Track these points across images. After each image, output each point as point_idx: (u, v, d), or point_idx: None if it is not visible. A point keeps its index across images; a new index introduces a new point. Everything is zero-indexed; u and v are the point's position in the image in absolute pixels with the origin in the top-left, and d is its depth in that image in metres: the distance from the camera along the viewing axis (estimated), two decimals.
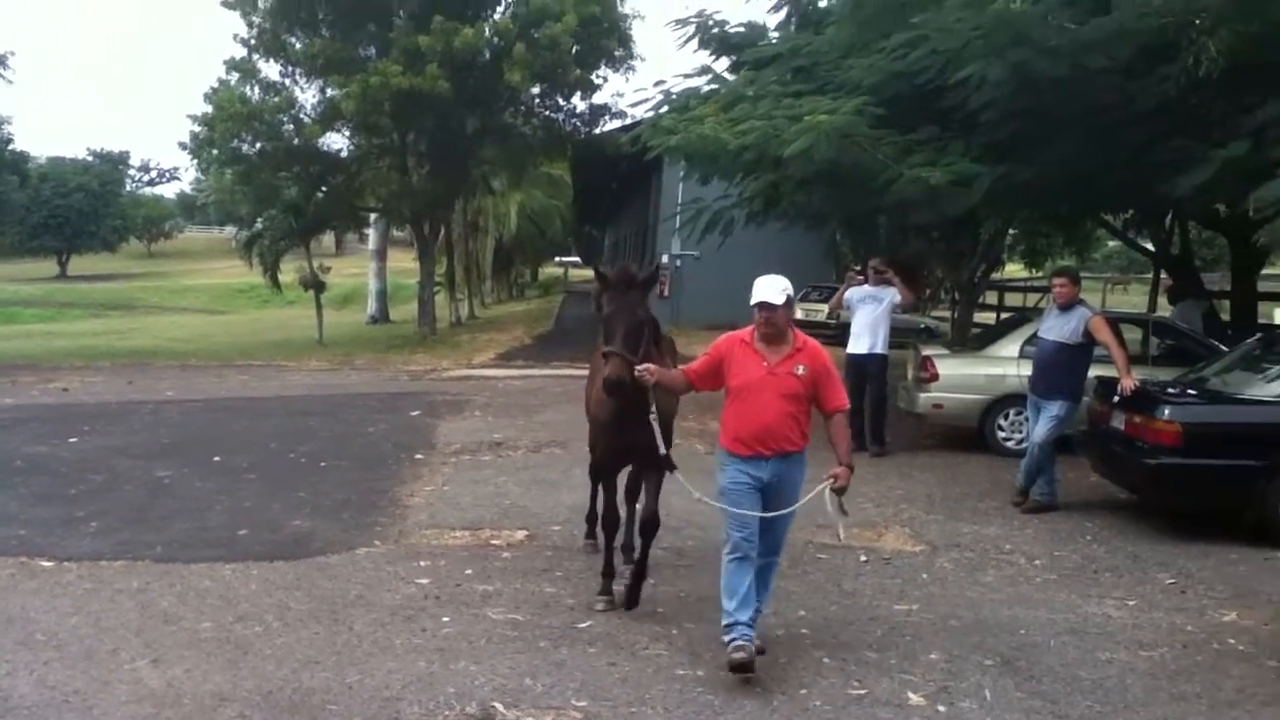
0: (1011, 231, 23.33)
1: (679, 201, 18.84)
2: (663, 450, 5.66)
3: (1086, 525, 8.24)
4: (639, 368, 5.45)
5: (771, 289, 5.25)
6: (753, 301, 5.26)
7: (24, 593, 6.52)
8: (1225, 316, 13.97)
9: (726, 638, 5.23)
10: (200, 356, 24.15)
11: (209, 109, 23.08)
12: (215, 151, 23.45)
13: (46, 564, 7.13)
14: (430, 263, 27.25)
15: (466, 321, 32.55)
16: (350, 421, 13.80)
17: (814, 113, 10.22)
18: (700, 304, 25.62)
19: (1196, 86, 9.40)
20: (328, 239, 36.46)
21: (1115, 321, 9.37)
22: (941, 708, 4.94)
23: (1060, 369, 8.64)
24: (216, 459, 10.94)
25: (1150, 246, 16.01)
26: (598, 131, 26.87)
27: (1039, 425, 8.68)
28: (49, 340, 30.73)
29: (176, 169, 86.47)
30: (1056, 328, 8.70)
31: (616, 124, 25.66)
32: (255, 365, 22.09)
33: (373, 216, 31.22)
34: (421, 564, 7.17)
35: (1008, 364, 10.95)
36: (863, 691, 5.11)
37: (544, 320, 33.37)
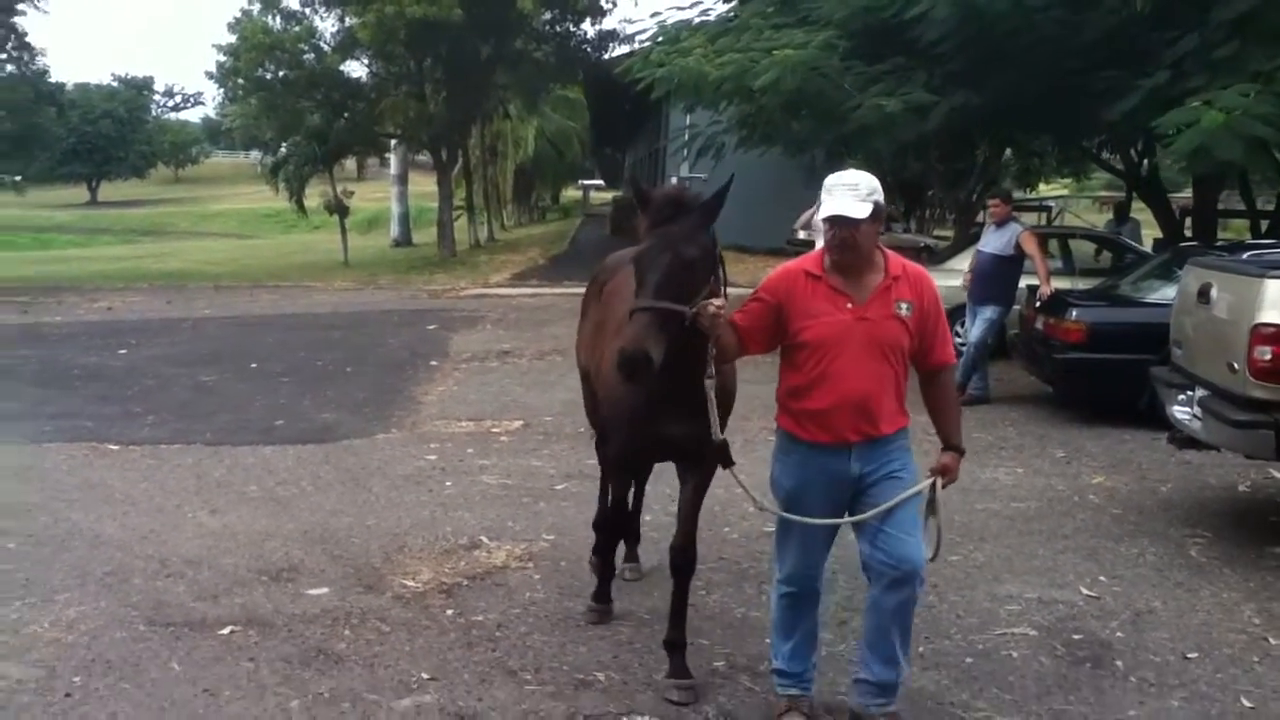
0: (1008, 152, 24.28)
1: (683, 126, 19.87)
2: (718, 436, 3.78)
3: (1010, 415, 9.43)
4: (709, 305, 3.58)
5: (848, 196, 3.52)
6: (821, 215, 3.59)
7: (99, 468, 7.84)
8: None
9: (780, 690, 3.95)
10: (232, 278, 25.45)
11: (233, 39, 24.10)
12: (241, 80, 24.52)
13: (114, 447, 8.43)
14: (449, 187, 28.37)
15: (486, 244, 33.71)
16: (373, 334, 15.11)
17: (785, 47, 11.24)
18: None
19: (1130, 21, 10.37)
20: (350, 164, 37.46)
21: (1043, 237, 10.46)
22: None
23: (994, 279, 9.76)
24: (253, 365, 12.27)
25: (1121, 168, 16.90)
26: (608, 56, 27.67)
27: (974, 327, 9.82)
28: (86, 264, 32.10)
29: (201, 94, 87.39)
30: (992, 242, 9.82)
31: (625, 49, 26.50)
32: (284, 286, 23.37)
33: (393, 142, 32.24)
34: (431, 446, 8.46)
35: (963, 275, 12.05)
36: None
37: (560, 242, 34.45)
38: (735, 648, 4.59)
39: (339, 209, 28.41)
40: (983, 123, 12.30)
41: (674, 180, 28.55)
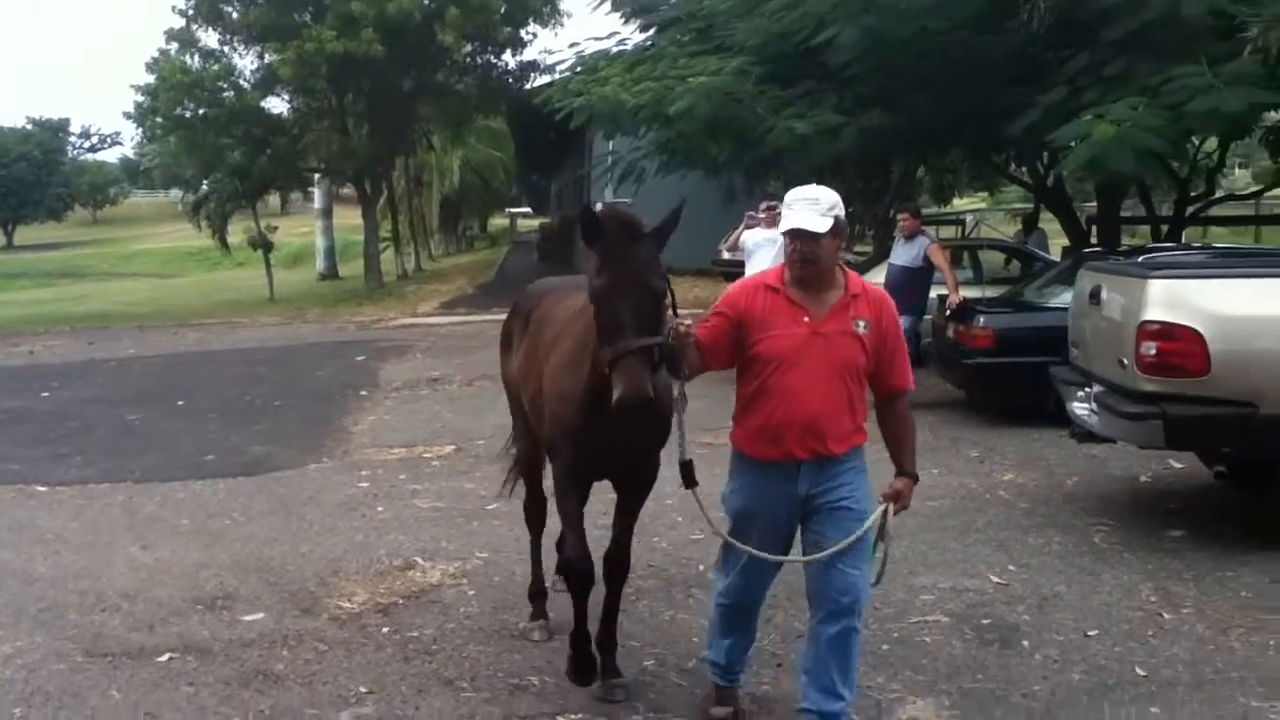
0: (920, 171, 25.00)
1: (605, 152, 20.20)
2: (685, 455, 3.70)
3: (926, 419, 9.68)
4: (679, 326, 3.58)
5: (809, 210, 3.54)
6: (782, 228, 3.63)
7: (27, 508, 7.81)
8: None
9: (713, 679, 4.03)
10: (156, 317, 25.14)
11: (151, 79, 23.94)
12: (160, 119, 24.35)
13: (41, 489, 8.39)
14: (374, 219, 28.37)
15: (413, 274, 33.67)
16: (301, 368, 15.09)
17: (700, 74, 11.57)
18: None
19: (1031, 41, 10.85)
20: (275, 200, 37.23)
21: (954, 248, 10.88)
22: None
23: (906, 290, 10.07)
24: (180, 403, 12.22)
25: (1030, 181, 17.52)
26: (529, 86, 27.90)
27: None
28: (3, 309, 31.43)
29: (119, 134, 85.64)
30: (903, 254, 10.19)
31: (547, 78, 26.77)
32: (210, 323, 23.17)
33: (316, 176, 32.13)
34: (363, 473, 8.54)
35: None
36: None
37: (487, 270, 34.50)
38: (665, 648, 4.78)
39: (263, 244, 28.21)
40: (894, 143, 12.72)
41: (598, 206, 28.89)
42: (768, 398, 3.62)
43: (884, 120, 11.73)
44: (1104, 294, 6.19)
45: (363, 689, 4.41)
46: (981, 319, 9.19)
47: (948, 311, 9.74)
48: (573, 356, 4.03)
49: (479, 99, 28.48)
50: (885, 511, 3.68)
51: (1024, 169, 17.95)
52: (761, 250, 10.85)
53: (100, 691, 4.45)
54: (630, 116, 12.39)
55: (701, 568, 5.61)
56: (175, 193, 44.60)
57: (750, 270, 10.86)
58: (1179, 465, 7.54)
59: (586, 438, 3.98)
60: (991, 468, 7.94)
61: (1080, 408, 6.42)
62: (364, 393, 12.56)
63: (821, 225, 3.52)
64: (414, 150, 32.91)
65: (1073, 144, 8.99)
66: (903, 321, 9.86)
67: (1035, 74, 11.09)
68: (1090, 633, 4.78)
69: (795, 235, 3.57)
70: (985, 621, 4.95)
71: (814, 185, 3.70)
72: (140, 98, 24.17)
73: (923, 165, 22.13)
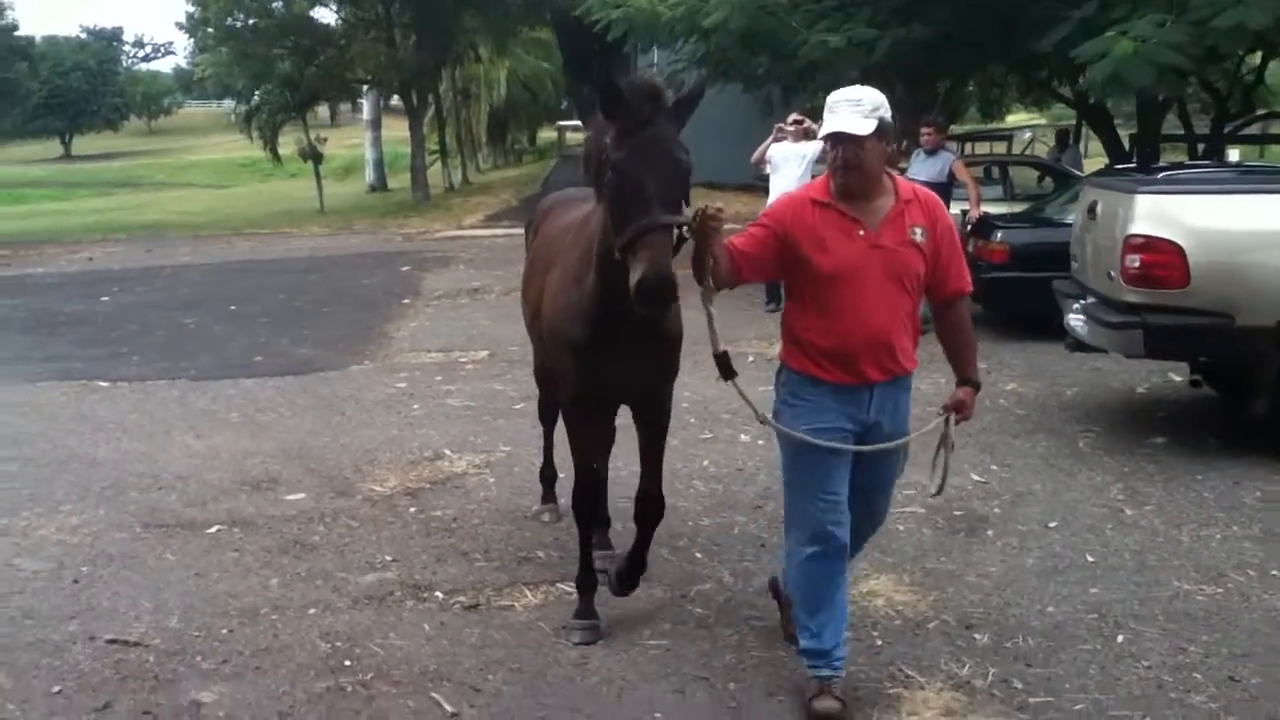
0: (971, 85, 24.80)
1: (647, 64, 20.28)
2: (718, 348, 3.46)
3: None
4: (709, 208, 3.33)
5: (851, 112, 3.32)
6: (822, 133, 3.41)
7: (90, 402, 8.42)
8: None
9: (810, 672, 3.58)
10: (210, 227, 25.81)
11: None
12: (210, 30, 24.73)
13: (103, 384, 9.00)
14: (421, 131, 28.68)
15: (460, 187, 34.00)
16: (347, 276, 15.63)
17: None
18: None
19: None
20: (324, 111, 37.60)
21: (979, 166, 11.02)
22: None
23: None
24: (232, 308, 12.82)
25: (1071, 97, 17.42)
26: None
27: None
28: (64, 218, 32.27)
29: (171, 44, 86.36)
30: (926, 169, 10.32)
31: None
32: (262, 233, 23.79)
33: (365, 88, 32.40)
34: (401, 375, 9.06)
35: None
36: (710, 435, 6.97)
37: (533, 184, 34.74)
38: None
39: (313, 156, 28.64)
40: (927, 56, 12.76)
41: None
42: (834, 318, 3.39)
43: (917, 33, 11.82)
44: (1098, 209, 6.45)
45: (388, 557, 4.94)
46: (998, 234, 9.43)
47: (967, 226, 9.95)
48: (576, 270, 3.77)
49: (524, 9, 28.50)
50: (947, 421, 3.61)
51: (1066, 84, 17.90)
52: (788, 164, 10.65)
53: (156, 555, 5.02)
54: (666, 29, 12.56)
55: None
56: (228, 103, 45.06)
57: (774, 185, 10.84)
58: (1178, 378, 7.81)
59: (591, 360, 3.73)
60: (997, 378, 8.25)
61: (1074, 319, 6.71)
62: (406, 301, 13.08)
63: (865, 127, 3.27)
64: (461, 62, 33.01)
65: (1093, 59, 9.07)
66: None
67: None
68: (1051, 524, 5.17)
69: (837, 139, 3.33)
70: (958, 513, 5.35)
71: (857, 85, 3.46)
72: (191, 8, 24.54)
73: (970, 80, 21.99)
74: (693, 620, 4.21)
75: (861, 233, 3.39)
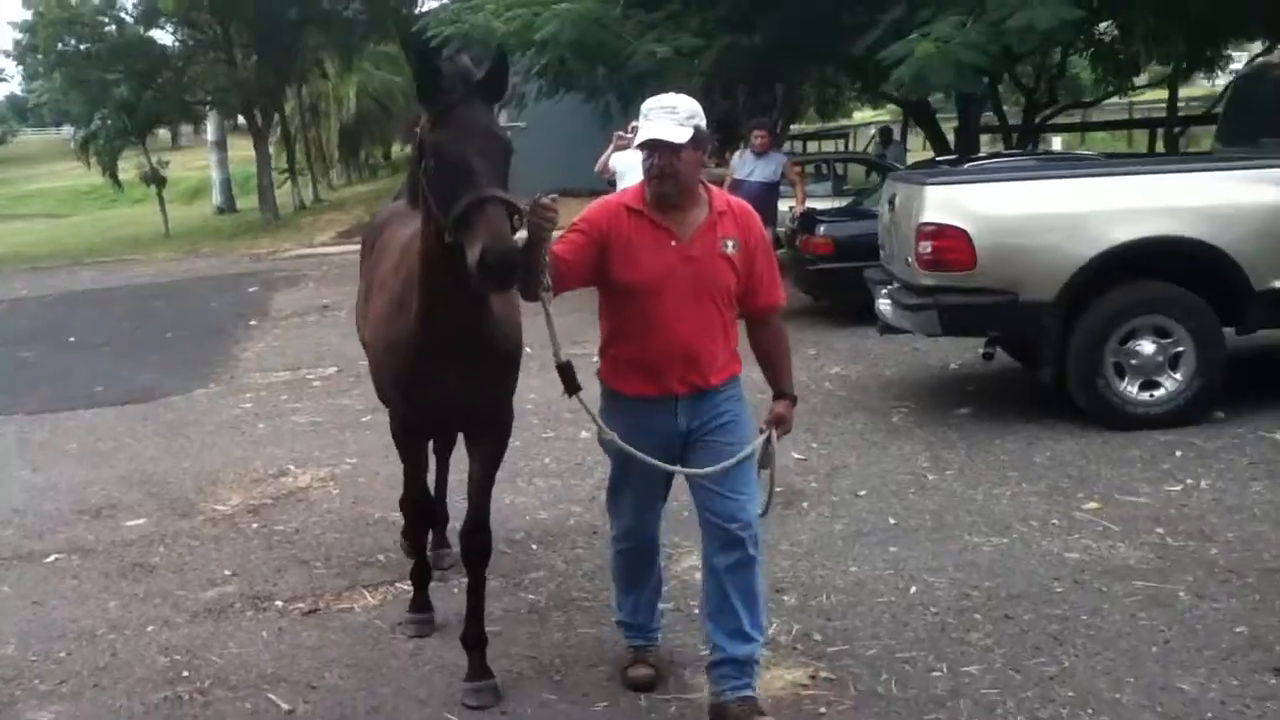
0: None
1: None
2: (560, 357, 3.30)
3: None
4: (543, 199, 3.21)
5: (667, 119, 3.28)
6: (637, 141, 3.35)
7: None
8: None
9: (627, 642, 3.82)
10: (50, 258, 24.89)
11: (29, 15, 23.43)
12: (40, 56, 23.89)
13: None
14: (266, 151, 28.22)
15: (311, 205, 33.48)
16: (194, 301, 15.40)
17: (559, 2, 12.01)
18: (533, 174, 27.18)
19: None
20: (166, 134, 36.57)
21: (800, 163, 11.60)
22: None
23: (763, 204, 10.67)
24: (72, 339, 12.56)
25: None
26: (418, 10, 27.79)
27: None
28: None
29: (3, 71, 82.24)
30: (759, 170, 10.68)
31: (435, 3, 26.69)
32: (106, 261, 23.12)
33: (208, 109, 31.70)
34: (246, 395, 9.06)
35: None
36: (552, 434, 7.20)
37: (385, 198, 34.53)
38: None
39: (155, 180, 27.96)
40: (751, 63, 13.30)
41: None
42: (638, 330, 3.38)
43: (743, 42, 12.32)
44: (897, 200, 6.94)
45: (228, 572, 5.05)
46: (822, 228, 9.94)
47: (793, 220, 10.44)
48: (402, 293, 3.59)
49: (368, 25, 28.31)
50: (769, 438, 3.56)
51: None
52: (634, 172, 10.73)
53: None
54: (499, 43, 12.77)
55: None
56: (66, 130, 43.41)
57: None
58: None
59: (421, 389, 3.58)
60: (823, 363, 8.73)
61: (882, 303, 7.20)
62: (253, 322, 12.99)
63: (680, 135, 3.23)
64: (306, 79, 32.56)
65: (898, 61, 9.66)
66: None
67: None
68: (861, 493, 5.58)
69: (653, 147, 3.27)
70: (777, 489, 5.68)
71: (671, 93, 3.41)
72: (19, 35, 23.66)
73: (803, 82, 22.83)
74: (525, 606, 4.45)
75: (673, 243, 3.34)
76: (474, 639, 3.75)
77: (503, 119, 27.10)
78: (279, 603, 4.63)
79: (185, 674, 4.00)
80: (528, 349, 4.02)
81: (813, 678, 3.68)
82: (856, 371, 8.37)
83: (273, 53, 26.59)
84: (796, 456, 6.26)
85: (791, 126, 30.18)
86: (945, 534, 4.96)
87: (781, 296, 3.59)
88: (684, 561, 4.76)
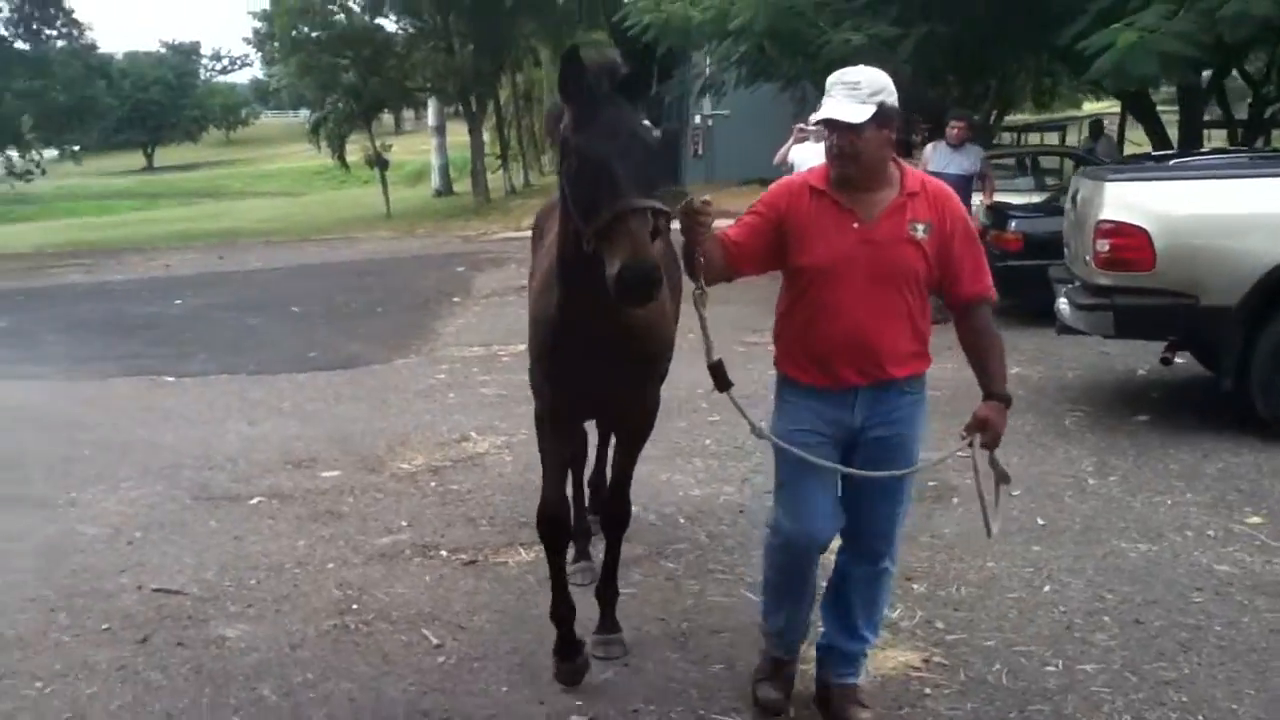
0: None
1: (693, 65, 20.81)
2: (712, 357, 3.22)
3: None
4: (695, 201, 3.11)
5: (847, 97, 3.08)
6: (815, 118, 3.20)
7: (157, 395, 9.14)
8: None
9: (767, 648, 3.63)
10: (281, 233, 26.88)
11: (266, 4, 25.35)
12: (276, 44, 25.78)
13: (169, 379, 9.73)
14: (479, 136, 29.50)
15: (521, 190, 34.79)
16: (405, 278, 16.38)
17: None
18: (734, 162, 27.28)
19: None
20: (389, 119, 38.73)
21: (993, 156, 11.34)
22: None
23: (965, 196, 10.46)
24: (294, 309, 13.59)
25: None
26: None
27: None
28: (147, 227, 33.73)
29: (248, 56, 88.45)
30: (956, 162, 10.41)
31: None
32: (330, 238, 24.77)
33: (427, 95, 33.33)
34: (442, 367, 9.66)
35: None
36: (717, 418, 7.40)
37: None
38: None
39: (379, 163, 29.64)
40: (953, 53, 13.06)
41: (698, 119, 29.37)
42: (814, 316, 3.21)
43: (940, 29, 12.11)
44: (1079, 197, 6.78)
45: (403, 523, 5.51)
46: (1013, 223, 9.73)
47: (984, 215, 10.24)
48: (547, 278, 3.56)
49: (580, 13, 29.10)
50: (971, 445, 3.36)
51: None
52: (811, 166, 10.93)
53: (201, 523, 5.64)
54: (697, 32, 13.03)
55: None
56: (304, 113, 46.47)
57: None
58: (1180, 360, 8.06)
59: (562, 369, 3.55)
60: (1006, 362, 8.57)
61: (1061, 303, 7.04)
62: (456, 299, 13.74)
63: (860, 114, 3.02)
64: (520, 67, 33.78)
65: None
66: None
67: None
68: (1015, 493, 5.50)
69: (831, 126, 3.09)
70: (931, 484, 5.73)
71: (859, 66, 3.20)
72: (257, 23, 25.64)
73: (1010, 72, 22.11)
74: (663, 574, 4.70)
75: (855, 225, 3.15)
76: (608, 595, 3.94)
77: (705, 107, 27.43)
78: (444, 552, 5.04)
79: (354, 607, 4.45)
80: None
81: (925, 661, 3.78)
82: (1038, 372, 8.20)
83: (488, 41, 27.74)
84: (960, 454, 6.22)
85: (1006, 117, 29.25)
86: (1093, 538, 4.89)
87: (989, 287, 3.29)
88: None
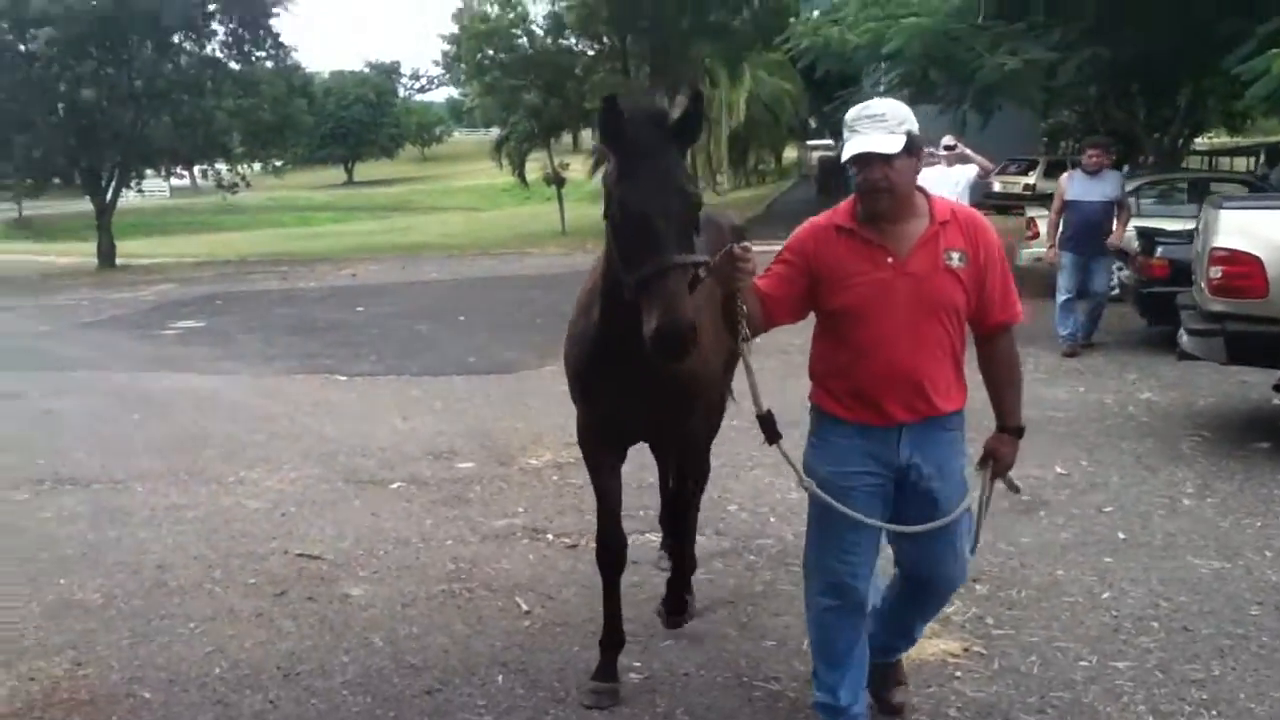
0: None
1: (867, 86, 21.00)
2: (761, 408, 3.18)
3: (1104, 343, 10.28)
4: (735, 249, 3.02)
5: (876, 129, 3.05)
6: (845, 155, 3.08)
7: (328, 391, 10.04)
8: None
9: None
10: (461, 248, 28.28)
11: (455, 28, 26.84)
12: (463, 66, 27.25)
13: (341, 378, 10.65)
14: None
15: None
16: (566, 291, 16.62)
17: (918, 12, 12.31)
18: None
19: None
20: (568, 139, 40.10)
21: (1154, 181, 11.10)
22: None
23: (1107, 224, 10.30)
24: (461, 318, 14.49)
25: None
26: (807, 18, 28.69)
27: (1100, 277, 10.08)
28: (340, 239, 35.98)
29: (445, 75, 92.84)
30: (1097, 190, 10.17)
31: (819, 11, 27.49)
32: (505, 252, 25.96)
33: None
34: None
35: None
36: None
37: (760, 205, 35.80)
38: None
39: (556, 180, 30.81)
40: (1114, 75, 12.91)
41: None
42: (855, 354, 3.15)
43: (1103, 53, 12.02)
44: (1201, 224, 6.78)
45: (520, 509, 6.06)
46: (1159, 249, 9.60)
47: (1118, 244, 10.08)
48: (589, 298, 3.60)
49: (755, 34, 29.56)
50: (986, 477, 3.29)
51: None
52: (942, 190, 9.98)
53: (347, 501, 6.35)
54: (853, 55, 13.30)
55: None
56: (494, 131, 48.62)
57: None
58: None
59: (597, 386, 3.63)
60: (1138, 388, 8.55)
61: (1182, 329, 7.03)
62: None
63: (893, 145, 3.00)
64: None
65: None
66: (1107, 259, 10.27)
67: (1255, 3, 11.04)
68: (1106, 509, 5.65)
69: (863, 161, 3.04)
70: (1025, 498, 5.87)
71: (877, 100, 3.19)
72: (446, 46, 27.15)
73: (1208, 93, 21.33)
74: (742, 564, 5.07)
75: (889, 260, 3.10)
76: (674, 603, 4.23)
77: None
78: (550, 536, 5.57)
79: (462, 577, 5.03)
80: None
81: (965, 650, 4.03)
82: (1169, 398, 8.14)
83: (664, 62, 28.51)
84: (1059, 471, 6.38)
85: (1196, 140, 28.08)
86: (1169, 553, 4.99)
87: (1017, 313, 3.24)
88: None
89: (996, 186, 27.66)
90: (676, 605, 4.15)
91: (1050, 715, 3.58)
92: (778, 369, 6.62)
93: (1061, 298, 10.21)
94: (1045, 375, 9.19)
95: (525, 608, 4.63)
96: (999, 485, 3.32)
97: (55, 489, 6.79)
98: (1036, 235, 13.30)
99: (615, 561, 3.90)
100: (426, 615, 4.61)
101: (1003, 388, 3.28)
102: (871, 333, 3.11)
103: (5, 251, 36.75)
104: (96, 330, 14.79)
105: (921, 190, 3.20)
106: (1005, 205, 24.39)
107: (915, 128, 3.07)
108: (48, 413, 9.13)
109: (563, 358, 3.87)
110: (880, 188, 3.05)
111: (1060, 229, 10.20)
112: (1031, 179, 27.68)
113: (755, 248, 3.14)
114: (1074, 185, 10.19)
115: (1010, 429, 3.27)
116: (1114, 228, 10.08)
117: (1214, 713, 3.51)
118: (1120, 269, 11.15)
